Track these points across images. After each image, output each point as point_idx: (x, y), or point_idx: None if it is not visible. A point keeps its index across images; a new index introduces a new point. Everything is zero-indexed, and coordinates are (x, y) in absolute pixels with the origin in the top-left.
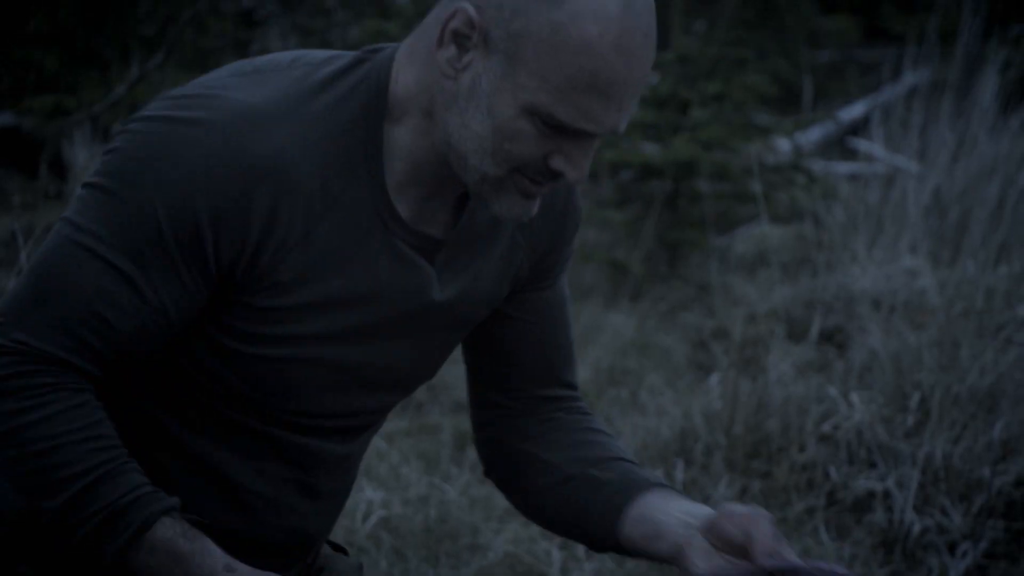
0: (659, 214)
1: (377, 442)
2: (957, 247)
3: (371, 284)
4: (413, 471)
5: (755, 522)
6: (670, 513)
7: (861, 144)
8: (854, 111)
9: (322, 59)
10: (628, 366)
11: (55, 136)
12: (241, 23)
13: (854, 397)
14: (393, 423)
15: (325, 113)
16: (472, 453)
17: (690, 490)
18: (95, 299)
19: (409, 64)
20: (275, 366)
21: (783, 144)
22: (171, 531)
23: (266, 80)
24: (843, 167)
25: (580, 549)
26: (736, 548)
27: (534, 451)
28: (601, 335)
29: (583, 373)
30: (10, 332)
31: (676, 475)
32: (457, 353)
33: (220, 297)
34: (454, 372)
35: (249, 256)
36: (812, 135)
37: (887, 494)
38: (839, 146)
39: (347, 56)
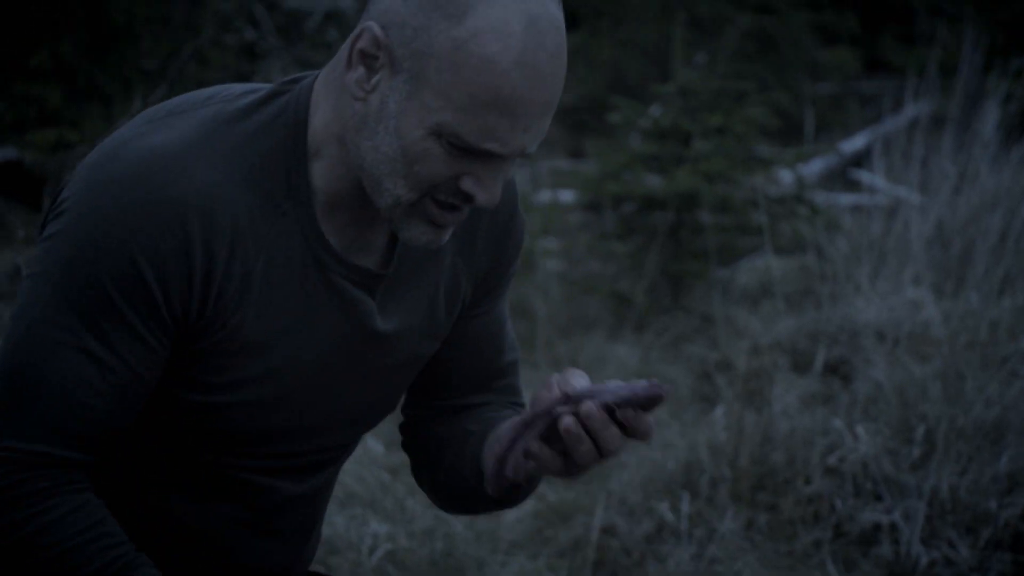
0: (662, 246)
1: (381, 475)
2: (960, 279)
3: (311, 320)
4: (418, 504)
5: (560, 377)
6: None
7: (863, 176)
8: (856, 143)
9: (239, 92)
10: None
11: (58, 170)
12: (243, 56)
13: (859, 429)
14: (398, 455)
15: (243, 146)
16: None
17: (696, 523)
18: (72, 388)
19: (326, 93)
20: (221, 411)
21: (785, 176)
22: None
23: (180, 120)
24: (845, 198)
25: None
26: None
27: (443, 434)
28: (605, 366)
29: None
30: (22, 441)
31: (682, 508)
32: None
33: (175, 348)
34: None
35: (198, 299)
36: (814, 167)
37: (894, 527)
38: (841, 177)
39: (264, 88)
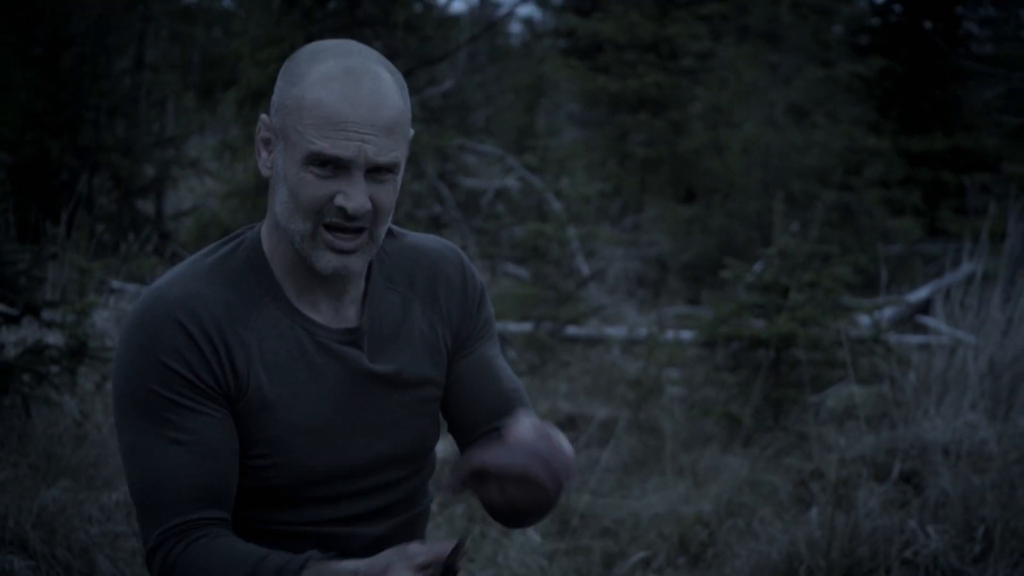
0: (765, 377)
1: (539, 560)
2: (1010, 405)
3: (316, 378)
4: None
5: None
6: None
7: (928, 321)
8: (921, 294)
9: (215, 244)
10: (743, 500)
11: None
12: (430, 225)
13: (930, 529)
14: (552, 543)
15: (215, 267)
16: (619, 570)
17: None
18: (175, 470)
19: (268, 216)
20: (270, 469)
21: (864, 320)
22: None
23: (171, 270)
24: (913, 339)
25: None
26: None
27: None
28: (719, 474)
29: (705, 506)
30: (151, 538)
31: None
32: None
33: (232, 411)
34: (605, 505)
35: (220, 370)
36: (887, 313)
37: None
38: (910, 322)
39: (228, 237)
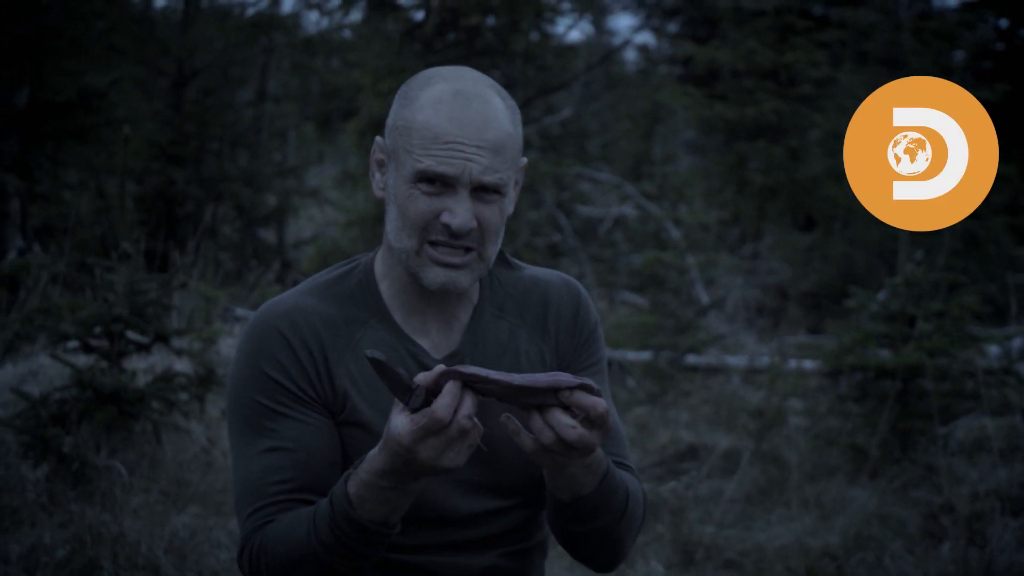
0: (891, 407)
1: None
2: None
3: None
4: None
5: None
6: None
7: None
8: None
9: (334, 266)
10: (871, 534)
11: None
12: (548, 253)
13: None
14: (676, 575)
15: (328, 285)
16: None
17: None
18: (271, 480)
19: (383, 237)
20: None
21: (993, 350)
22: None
23: (296, 285)
24: None
25: None
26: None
27: None
28: (846, 507)
29: (832, 539)
30: (241, 540)
31: None
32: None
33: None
34: (729, 536)
35: (318, 381)
36: (1017, 343)
37: None
38: None
39: (347, 259)
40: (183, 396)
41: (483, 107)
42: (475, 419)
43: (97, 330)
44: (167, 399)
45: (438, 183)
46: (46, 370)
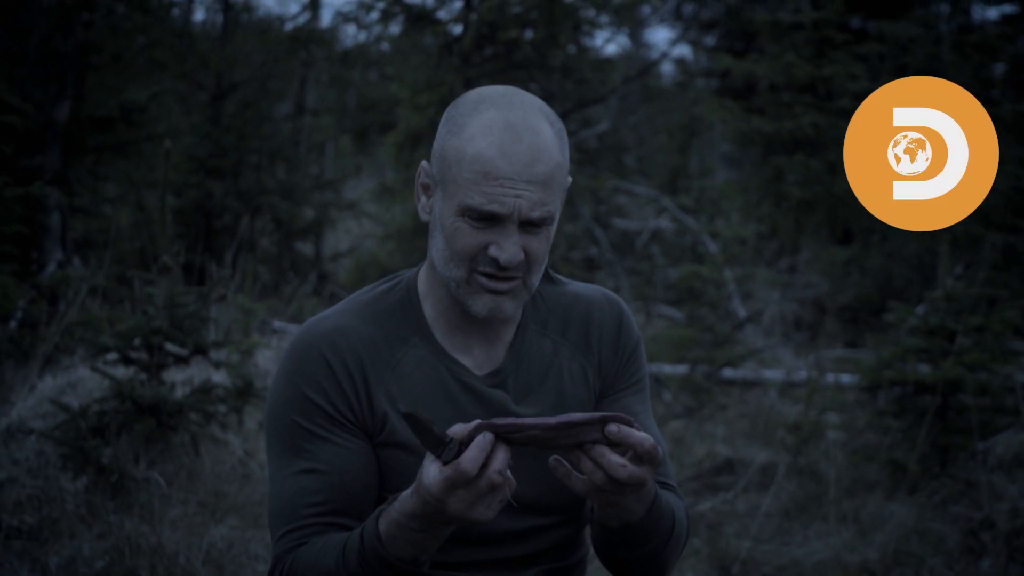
0: (930, 422)
1: None
2: None
3: (458, 417)
4: None
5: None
6: None
7: None
8: None
9: (377, 283)
10: (910, 549)
11: None
12: (584, 266)
13: None
14: None
15: (369, 304)
16: None
17: None
18: (305, 502)
19: (427, 255)
20: None
21: None
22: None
23: (339, 303)
24: None
25: None
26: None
27: None
28: (885, 522)
29: (871, 554)
30: (279, 549)
31: None
32: None
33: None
34: (766, 551)
35: (357, 402)
36: None
37: None
38: None
39: (389, 276)
40: (221, 408)
41: (533, 139)
42: (507, 474)
43: (136, 342)
44: (205, 411)
45: (485, 218)
46: (85, 382)
